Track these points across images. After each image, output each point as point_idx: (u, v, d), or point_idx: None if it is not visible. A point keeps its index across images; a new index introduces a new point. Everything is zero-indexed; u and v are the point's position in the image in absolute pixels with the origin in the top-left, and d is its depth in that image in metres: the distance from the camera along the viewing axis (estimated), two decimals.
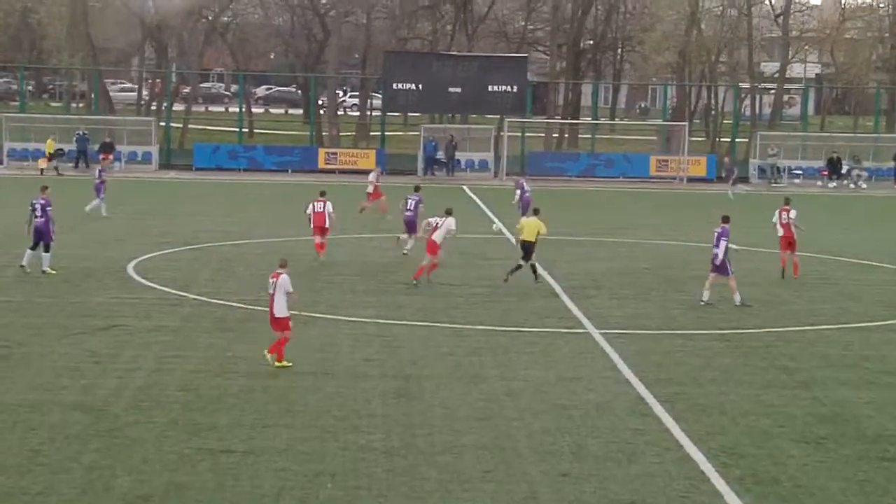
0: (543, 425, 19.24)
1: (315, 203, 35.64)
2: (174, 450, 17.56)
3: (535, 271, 31.91)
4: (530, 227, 31.85)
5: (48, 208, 31.93)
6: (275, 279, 22.54)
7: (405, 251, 35.99)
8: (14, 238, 35.44)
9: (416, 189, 38.14)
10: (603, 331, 26.37)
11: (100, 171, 46.33)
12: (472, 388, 21.43)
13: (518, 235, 32.38)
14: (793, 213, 33.83)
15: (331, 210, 35.40)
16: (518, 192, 44.82)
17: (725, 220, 30.05)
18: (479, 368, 22.85)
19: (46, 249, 31.78)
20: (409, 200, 36.38)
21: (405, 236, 36.27)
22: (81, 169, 64.00)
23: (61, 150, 65.90)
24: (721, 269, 29.46)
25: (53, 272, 31.48)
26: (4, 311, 26.91)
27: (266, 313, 26.98)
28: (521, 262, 31.81)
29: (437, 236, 31.26)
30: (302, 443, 18.05)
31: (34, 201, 32.00)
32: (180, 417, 19.16)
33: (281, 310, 22.45)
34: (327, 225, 35.34)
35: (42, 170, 61.86)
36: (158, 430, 18.49)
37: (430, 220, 32.13)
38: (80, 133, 65.65)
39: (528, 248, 31.79)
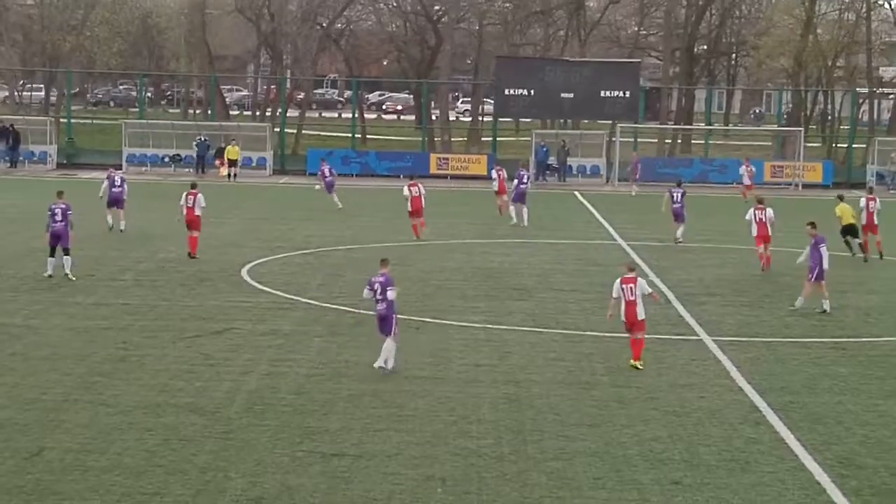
0: (655, 432, 19.08)
1: (411, 187, 40.05)
2: (286, 452, 17.73)
3: (863, 251, 36.93)
4: (846, 212, 36.70)
5: (68, 213, 31.28)
6: (631, 284, 23.00)
7: (680, 240, 39.54)
8: (131, 241, 36.11)
9: (679, 184, 41.26)
10: (716, 338, 26.08)
11: (329, 170, 50.11)
12: (582, 394, 21.35)
13: (840, 223, 36.82)
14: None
15: (424, 192, 40.35)
16: (515, 180, 45.27)
17: (812, 225, 29.95)
18: (590, 374, 22.75)
19: (66, 253, 31.13)
20: (675, 193, 39.91)
21: (680, 229, 39.73)
22: (200, 175, 65.03)
23: (178, 155, 67.00)
24: (820, 274, 29.18)
25: (74, 279, 30.87)
26: (122, 313, 27.37)
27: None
28: (853, 240, 37.00)
29: None
30: (412, 447, 18.10)
31: (53, 206, 31.40)
32: (292, 421, 19.33)
33: (643, 312, 23.09)
34: (423, 205, 40.06)
35: (228, 175, 62.93)
36: (271, 432, 18.67)
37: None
38: (201, 139, 66.58)
39: (851, 230, 36.76)
